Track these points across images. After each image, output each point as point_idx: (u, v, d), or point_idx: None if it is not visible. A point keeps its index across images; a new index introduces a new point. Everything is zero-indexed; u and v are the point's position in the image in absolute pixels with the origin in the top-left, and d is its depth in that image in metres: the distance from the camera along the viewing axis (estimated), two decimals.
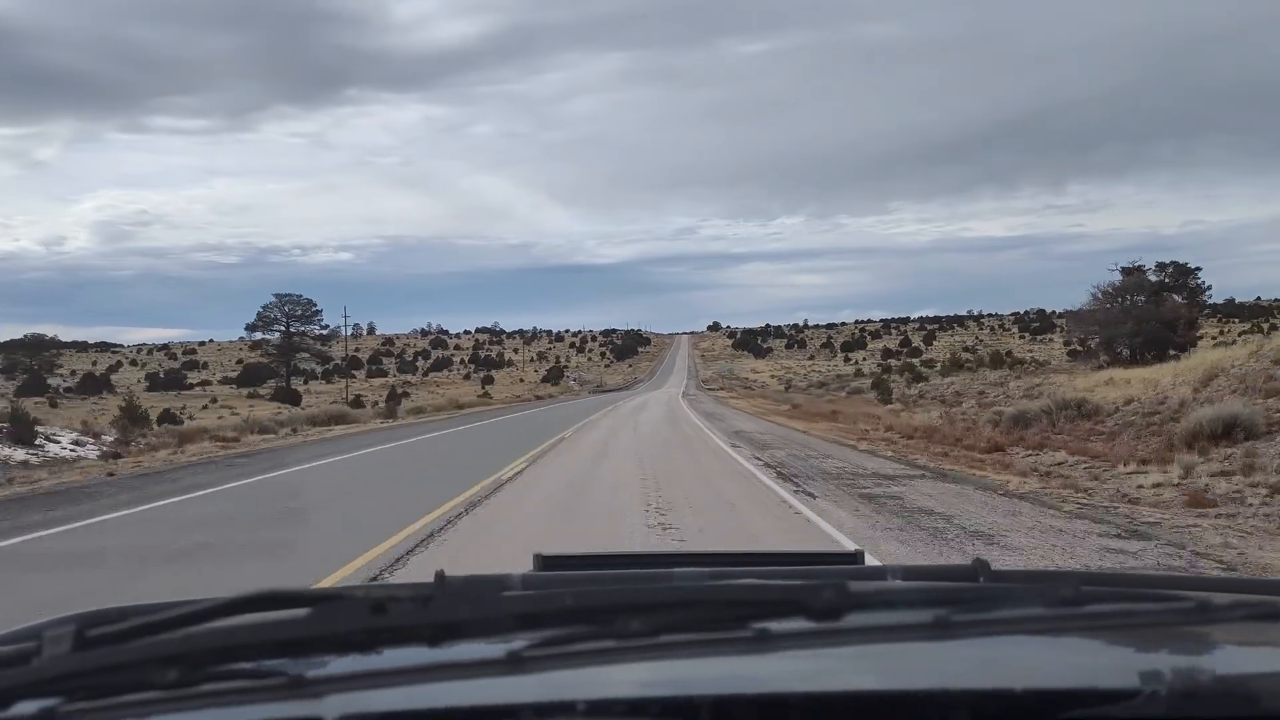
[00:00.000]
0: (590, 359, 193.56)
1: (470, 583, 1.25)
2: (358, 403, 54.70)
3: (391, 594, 1.09)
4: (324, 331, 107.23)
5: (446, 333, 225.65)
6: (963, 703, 0.98)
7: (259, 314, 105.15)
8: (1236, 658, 1.20)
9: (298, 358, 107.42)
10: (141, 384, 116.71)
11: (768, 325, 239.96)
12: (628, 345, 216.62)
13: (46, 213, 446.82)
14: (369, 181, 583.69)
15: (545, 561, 1.55)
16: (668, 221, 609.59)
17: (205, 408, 76.42)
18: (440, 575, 1.22)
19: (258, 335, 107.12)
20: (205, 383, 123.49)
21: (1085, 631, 1.16)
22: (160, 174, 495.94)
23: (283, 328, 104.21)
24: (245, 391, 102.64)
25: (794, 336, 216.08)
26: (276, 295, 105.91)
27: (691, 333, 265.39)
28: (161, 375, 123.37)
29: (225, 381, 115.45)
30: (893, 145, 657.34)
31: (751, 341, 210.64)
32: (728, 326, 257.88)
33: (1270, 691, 0.94)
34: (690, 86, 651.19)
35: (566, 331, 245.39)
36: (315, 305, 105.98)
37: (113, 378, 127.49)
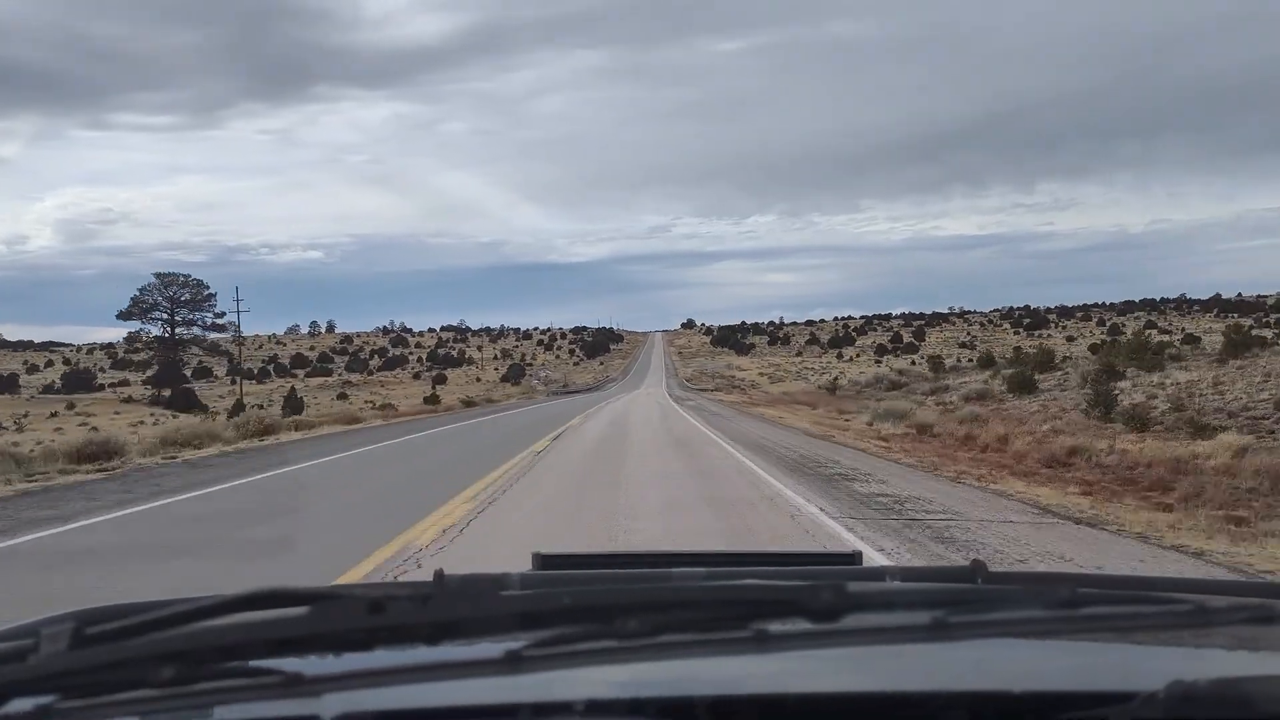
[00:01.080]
0: (559, 356, 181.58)
1: (469, 582, 1.23)
2: (239, 408, 43.04)
3: (390, 593, 1.08)
4: (219, 320, 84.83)
5: (410, 330, 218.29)
6: (960, 704, 0.98)
7: (134, 299, 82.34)
8: (1233, 661, 1.19)
9: (188, 354, 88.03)
10: (50, 384, 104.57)
11: (743, 322, 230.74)
12: (599, 342, 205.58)
13: (9, 210, 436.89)
14: (339, 179, 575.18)
15: (544, 561, 1.54)
16: (640, 220, 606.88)
17: (54, 414, 64.68)
18: (439, 574, 1.21)
19: (134, 325, 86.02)
20: (124, 383, 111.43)
21: (1083, 634, 1.16)
22: (125, 171, 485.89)
23: (166, 315, 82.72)
24: (140, 396, 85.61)
25: (774, 333, 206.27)
26: (158, 275, 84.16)
27: (665, 331, 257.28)
28: (72, 376, 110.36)
29: (148, 382, 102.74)
30: (865, 144, 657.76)
31: (731, 337, 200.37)
32: (703, 324, 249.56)
33: (1266, 695, 0.94)
34: (663, 84, 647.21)
35: (535, 329, 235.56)
36: (207, 288, 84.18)
37: (28, 378, 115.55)
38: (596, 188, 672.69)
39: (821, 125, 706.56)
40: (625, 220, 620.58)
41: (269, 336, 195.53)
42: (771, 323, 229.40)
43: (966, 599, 1.17)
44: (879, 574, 1.43)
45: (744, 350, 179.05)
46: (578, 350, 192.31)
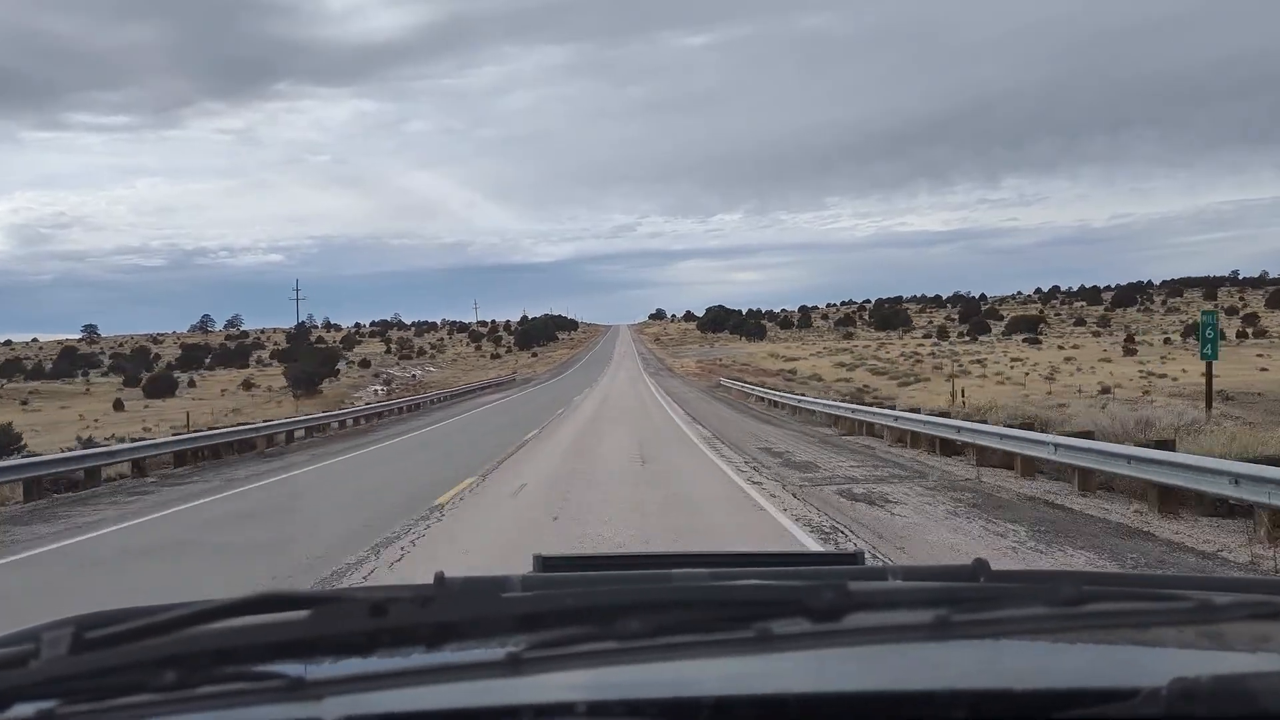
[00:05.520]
0: (479, 348, 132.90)
1: (470, 584, 1.24)
2: None
3: (391, 595, 1.09)
4: None
5: (334, 325, 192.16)
6: (963, 703, 0.98)
7: None
8: (1236, 658, 1.19)
9: None
10: None
11: (722, 307, 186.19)
12: (538, 328, 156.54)
13: None
14: (301, 180, 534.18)
15: (545, 563, 1.55)
16: (606, 219, 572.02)
17: None
18: (440, 577, 1.22)
19: None
20: None
21: (1085, 631, 1.16)
22: (79, 174, 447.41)
23: None
24: None
25: (786, 316, 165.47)
26: None
27: (631, 324, 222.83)
28: None
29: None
30: (832, 140, 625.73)
31: (729, 320, 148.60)
32: (674, 314, 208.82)
33: (1269, 691, 0.93)
34: (629, 80, 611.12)
35: (474, 322, 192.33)
36: None
37: None
38: (562, 186, 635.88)
39: (788, 122, 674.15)
40: (590, 219, 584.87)
41: (152, 336, 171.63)
42: (753, 311, 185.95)
43: (969, 598, 1.17)
44: (881, 573, 1.43)
45: (757, 334, 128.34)
46: (505, 340, 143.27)
